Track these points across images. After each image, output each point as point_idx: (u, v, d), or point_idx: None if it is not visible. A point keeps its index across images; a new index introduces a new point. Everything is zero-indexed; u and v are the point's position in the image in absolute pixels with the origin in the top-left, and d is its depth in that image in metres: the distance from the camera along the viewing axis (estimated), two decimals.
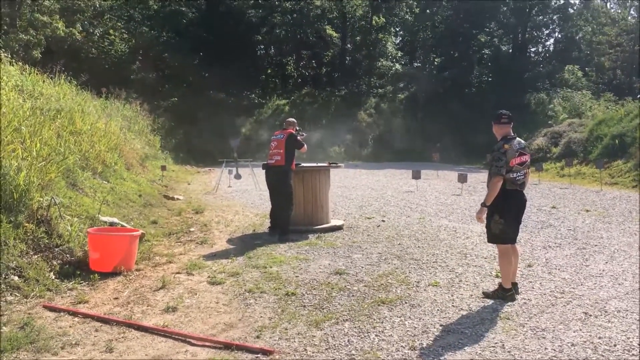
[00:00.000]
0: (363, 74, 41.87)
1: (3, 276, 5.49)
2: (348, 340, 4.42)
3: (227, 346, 4.29)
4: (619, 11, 46.88)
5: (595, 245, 7.96)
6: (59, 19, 25.24)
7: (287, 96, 38.45)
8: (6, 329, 4.55)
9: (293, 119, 9.21)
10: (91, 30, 31.26)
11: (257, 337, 4.49)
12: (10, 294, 5.30)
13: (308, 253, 7.53)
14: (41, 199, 6.69)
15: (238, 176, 16.54)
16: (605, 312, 5.04)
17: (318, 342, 4.39)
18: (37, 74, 13.63)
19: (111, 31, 34.19)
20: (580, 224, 9.84)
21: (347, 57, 42.30)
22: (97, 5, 30.37)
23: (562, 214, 10.95)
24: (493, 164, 5.30)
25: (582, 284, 5.96)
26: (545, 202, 12.74)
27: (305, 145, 8.91)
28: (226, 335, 4.53)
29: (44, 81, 13.63)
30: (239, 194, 14.70)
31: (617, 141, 19.58)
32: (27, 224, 6.40)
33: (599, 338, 4.43)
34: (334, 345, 4.33)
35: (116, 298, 5.55)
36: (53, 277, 5.81)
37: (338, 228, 9.42)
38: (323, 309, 5.16)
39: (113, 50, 32.80)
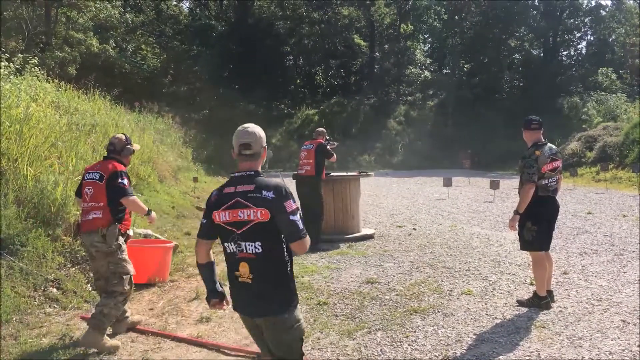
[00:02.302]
0: (392, 82, 41.79)
1: (42, 288, 5.64)
2: (381, 350, 4.42)
3: (260, 356, 4.32)
4: None
5: (633, 252, 7.78)
6: (92, 35, 25.91)
7: (316, 106, 38.60)
8: (46, 340, 4.67)
9: (322, 129, 9.25)
10: (124, 46, 32.00)
11: None
12: (49, 306, 5.44)
13: (339, 262, 7.53)
14: (77, 212, 6.84)
15: None
16: None
17: (350, 352, 4.40)
18: (72, 90, 13.97)
19: (143, 46, 34.96)
20: (617, 229, 9.63)
21: (376, 66, 42.29)
22: (130, 22, 31.15)
23: (598, 220, 10.73)
24: (525, 170, 5.24)
25: (619, 291, 5.84)
26: (580, 208, 12.50)
27: (334, 154, 8.94)
28: None
29: (79, 97, 13.97)
30: None
31: None
32: (64, 237, 6.57)
33: (638, 346, 4.33)
34: (367, 355, 4.33)
35: (151, 309, 5.65)
36: (90, 288, 5.94)
37: (369, 237, 9.40)
38: (355, 318, 5.16)
39: (145, 64, 33.46)
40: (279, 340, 3.00)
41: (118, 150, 4.91)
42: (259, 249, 2.86)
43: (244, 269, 2.90)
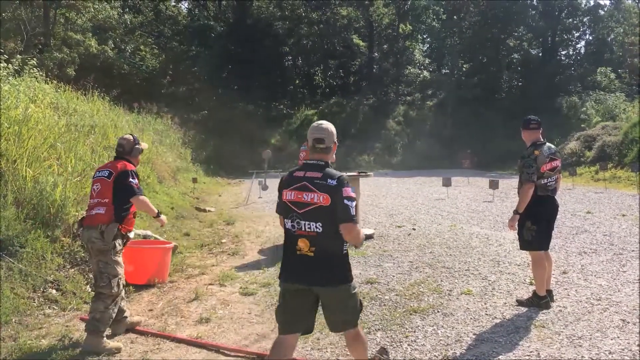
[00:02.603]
0: (391, 82, 41.76)
1: (42, 289, 5.63)
2: None
3: (260, 357, 4.32)
4: None
5: (633, 251, 7.78)
6: (91, 36, 25.91)
7: (315, 106, 38.58)
8: (45, 341, 4.67)
9: None
10: (123, 47, 31.99)
11: None
12: (49, 307, 5.43)
13: None
14: (77, 214, 6.84)
15: (265, 187, 16.59)
16: None
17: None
18: (71, 91, 13.97)
19: (142, 47, 34.95)
20: (617, 229, 9.63)
21: (375, 66, 42.25)
22: (128, 22, 31.14)
23: (597, 219, 10.73)
24: (524, 170, 5.24)
25: (619, 291, 5.84)
26: (579, 207, 12.50)
27: (333, 155, 8.93)
28: (259, 346, 4.56)
29: (78, 98, 13.98)
30: (269, 205, 14.78)
31: None
32: (63, 238, 6.57)
33: (638, 345, 4.33)
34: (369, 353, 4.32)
35: (151, 310, 5.64)
36: (89, 289, 5.93)
37: (368, 237, 9.39)
38: None
39: (144, 65, 33.44)
40: (345, 305, 3.41)
41: (127, 150, 4.93)
42: (319, 229, 3.28)
43: (303, 244, 3.32)
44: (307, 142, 3.56)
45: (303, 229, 3.30)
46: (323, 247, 3.29)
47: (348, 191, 3.26)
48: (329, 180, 3.28)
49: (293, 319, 3.50)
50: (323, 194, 3.25)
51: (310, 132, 3.51)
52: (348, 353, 4.36)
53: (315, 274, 3.32)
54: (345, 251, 3.39)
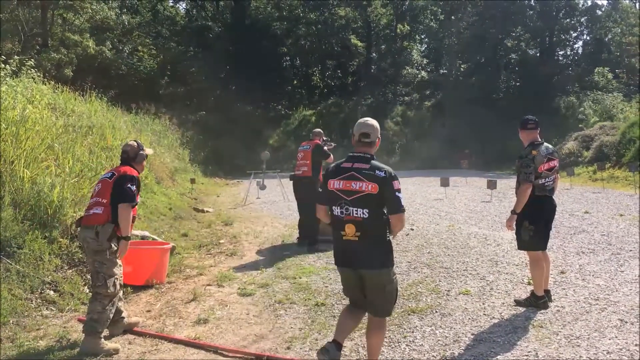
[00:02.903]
0: (389, 82, 41.75)
1: (39, 291, 5.62)
2: None
3: (258, 357, 4.32)
4: None
5: (630, 251, 7.79)
6: (89, 37, 25.88)
7: (313, 106, 38.56)
8: (43, 342, 4.66)
9: (319, 130, 9.26)
10: (120, 48, 31.94)
11: (288, 348, 4.51)
12: (47, 308, 5.42)
13: None
14: (74, 215, 6.83)
15: (263, 187, 16.57)
16: None
17: (348, 353, 4.40)
18: (69, 91, 13.95)
19: (140, 47, 34.88)
20: (614, 228, 9.64)
21: (373, 66, 42.26)
22: (126, 23, 31.07)
23: (595, 219, 10.74)
24: (522, 170, 5.25)
25: (617, 290, 5.85)
26: (577, 207, 12.51)
27: (331, 155, 8.93)
28: (257, 347, 4.56)
29: (75, 99, 13.96)
30: (267, 205, 14.79)
31: None
32: (61, 239, 6.56)
33: (636, 345, 4.34)
34: (365, 355, 4.33)
35: (149, 311, 5.64)
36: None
37: None
38: None
39: (142, 66, 33.40)
40: (381, 289, 3.76)
41: (132, 156, 4.94)
42: (365, 215, 3.61)
43: (349, 229, 3.66)
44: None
45: (351, 214, 3.63)
46: (367, 232, 3.62)
47: (397, 184, 3.62)
48: (377, 172, 3.62)
49: (352, 293, 3.94)
50: (372, 183, 3.59)
51: (357, 127, 3.85)
52: (346, 354, 4.36)
53: (359, 257, 3.67)
54: (389, 238, 3.72)
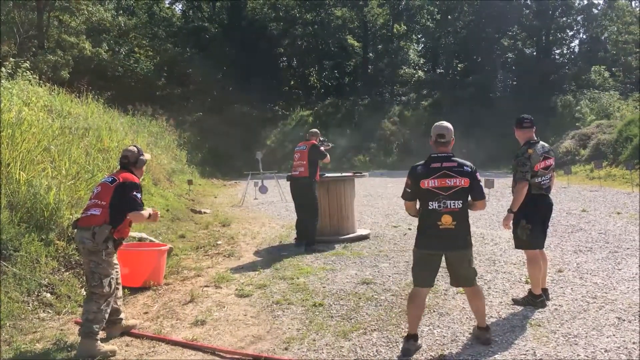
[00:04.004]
0: (386, 82, 41.81)
1: (36, 293, 5.61)
2: (376, 351, 4.41)
3: (256, 358, 4.31)
4: None
5: (628, 249, 7.79)
6: (85, 39, 25.85)
7: (310, 107, 38.58)
8: (40, 345, 4.65)
9: (316, 130, 9.24)
10: (117, 49, 31.93)
11: (286, 348, 4.50)
12: (43, 311, 5.41)
13: (335, 263, 7.52)
14: (71, 217, 6.82)
15: (263, 189, 16.51)
16: None
17: (346, 353, 4.39)
18: (65, 93, 13.92)
19: (136, 49, 34.88)
20: (612, 227, 9.65)
21: (370, 66, 42.29)
22: (122, 25, 31.05)
23: (592, 217, 10.75)
24: (518, 169, 5.25)
25: (614, 289, 5.85)
26: (575, 206, 12.51)
27: (328, 155, 8.91)
28: (255, 348, 4.55)
29: (72, 100, 13.94)
30: (264, 206, 14.78)
31: None
32: (58, 242, 6.54)
33: (633, 343, 4.34)
34: (363, 355, 4.33)
35: (146, 312, 5.62)
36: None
37: (364, 237, 9.40)
38: (351, 319, 5.15)
39: (139, 67, 33.37)
40: (468, 265, 4.39)
41: (132, 162, 4.92)
42: (460, 205, 4.26)
43: (446, 219, 4.23)
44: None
45: (449, 207, 4.23)
46: (460, 219, 4.26)
47: (479, 176, 4.38)
48: (465, 167, 4.31)
49: (429, 275, 4.38)
50: (464, 178, 4.25)
51: (434, 129, 4.54)
52: (344, 354, 4.36)
53: (454, 241, 4.28)
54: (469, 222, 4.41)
